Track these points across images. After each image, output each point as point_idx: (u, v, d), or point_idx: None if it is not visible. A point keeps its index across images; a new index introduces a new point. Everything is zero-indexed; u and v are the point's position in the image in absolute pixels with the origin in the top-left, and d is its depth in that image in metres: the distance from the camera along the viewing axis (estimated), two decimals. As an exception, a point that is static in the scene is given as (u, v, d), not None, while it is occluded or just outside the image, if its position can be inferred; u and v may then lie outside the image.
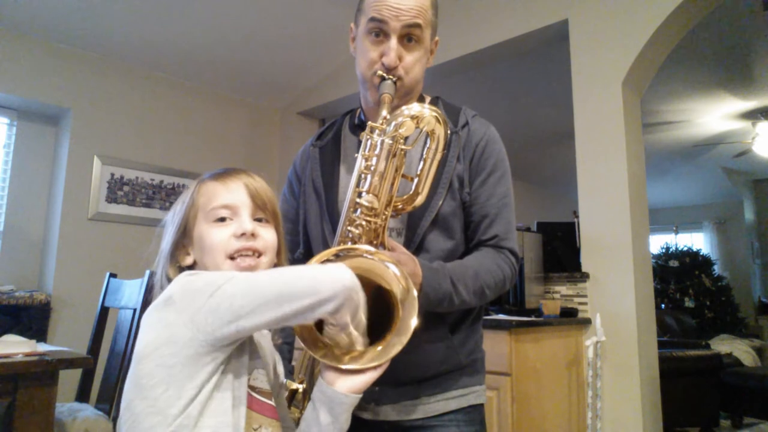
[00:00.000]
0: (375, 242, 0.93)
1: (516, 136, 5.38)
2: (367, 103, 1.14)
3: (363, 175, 0.94)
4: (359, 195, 0.93)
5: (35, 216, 3.52)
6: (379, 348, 0.78)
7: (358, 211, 0.92)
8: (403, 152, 0.94)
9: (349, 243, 0.93)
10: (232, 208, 0.86)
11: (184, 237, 0.87)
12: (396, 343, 0.77)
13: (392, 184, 0.94)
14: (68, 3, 3.11)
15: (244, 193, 0.87)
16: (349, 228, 0.93)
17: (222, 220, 0.85)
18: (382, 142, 0.93)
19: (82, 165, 3.50)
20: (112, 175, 3.63)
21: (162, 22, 3.38)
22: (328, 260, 0.81)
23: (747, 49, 3.76)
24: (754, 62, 3.96)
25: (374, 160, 0.93)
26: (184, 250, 0.87)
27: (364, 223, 0.91)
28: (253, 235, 0.85)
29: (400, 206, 0.97)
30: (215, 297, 0.71)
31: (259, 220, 0.88)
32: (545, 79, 4.11)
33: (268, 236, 0.87)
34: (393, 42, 1.04)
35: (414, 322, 0.78)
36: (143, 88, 3.82)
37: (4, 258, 3.36)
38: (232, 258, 0.84)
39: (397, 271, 0.81)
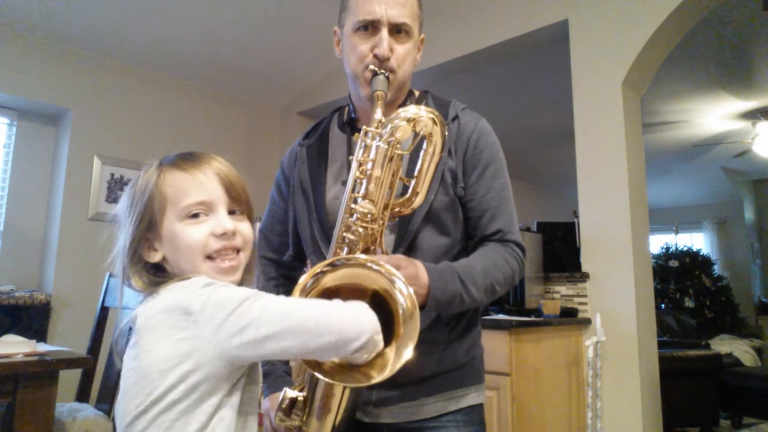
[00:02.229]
0: (372, 247, 0.91)
1: (516, 136, 5.38)
2: (359, 100, 1.12)
3: (358, 180, 0.91)
4: (355, 201, 0.91)
5: (35, 216, 3.52)
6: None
7: (355, 216, 0.90)
8: (399, 156, 0.92)
9: (346, 249, 0.91)
10: (207, 204, 0.79)
11: (149, 231, 0.78)
12: (391, 366, 0.75)
13: (389, 189, 0.92)
14: (68, 3, 3.11)
15: (218, 185, 0.80)
16: (345, 234, 0.91)
17: (196, 215, 0.78)
18: (378, 146, 0.90)
19: (82, 165, 3.50)
20: (112, 175, 3.63)
21: (162, 23, 3.38)
22: (322, 272, 0.79)
23: (747, 49, 3.76)
24: (754, 62, 3.96)
25: (369, 164, 0.90)
26: (148, 245, 0.79)
27: (360, 229, 0.89)
28: (233, 233, 0.79)
29: (397, 209, 0.95)
30: (241, 316, 0.68)
31: (232, 212, 0.82)
32: (545, 79, 4.10)
33: (246, 230, 0.82)
34: (384, 32, 1.02)
35: (409, 352, 0.74)
36: (143, 88, 3.82)
37: (4, 258, 3.36)
38: (210, 257, 0.78)
39: (404, 287, 0.77)
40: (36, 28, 3.29)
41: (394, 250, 1.02)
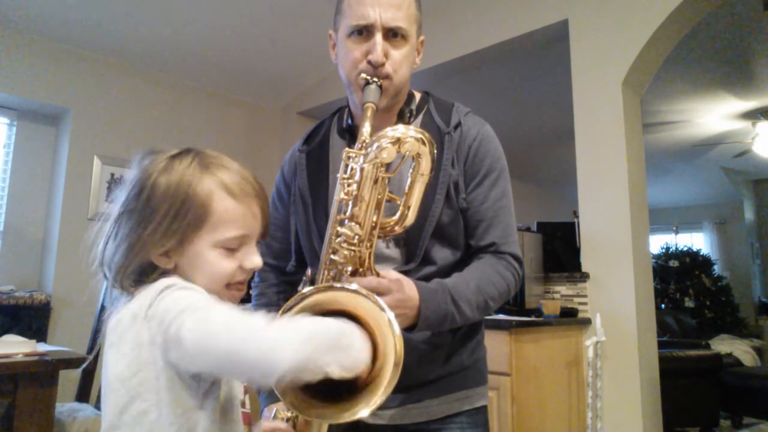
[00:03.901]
0: (361, 269, 0.89)
1: (516, 136, 5.38)
2: (355, 107, 1.09)
3: (344, 202, 0.89)
4: (341, 223, 0.88)
5: (35, 216, 3.52)
6: (345, 404, 0.73)
7: (341, 237, 0.88)
8: (384, 179, 0.88)
9: (334, 270, 0.89)
10: (245, 238, 0.77)
11: (175, 240, 0.73)
12: (363, 403, 0.72)
13: (376, 210, 0.89)
14: (68, 3, 3.11)
15: (260, 222, 0.78)
16: (332, 256, 0.89)
17: (231, 248, 0.76)
18: (362, 168, 0.87)
19: (82, 165, 3.50)
20: (112, 175, 3.63)
21: (162, 23, 3.38)
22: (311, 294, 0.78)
23: (747, 49, 3.76)
24: (754, 62, 3.96)
25: (355, 186, 0.88)
26: (163, 250, 0.74)
27: (346, 252, 0.87)
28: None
29: (388, 228, 0.92)
30: (177, 329, 0.64)
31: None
32: (545, 79, 4.10)
33: None
34: (378, 37, 0.98)
35: (379, 401, 0.71)
36: (143, 88, 3.82)
37: (4, 258, 3.36)
38: (227, 285, 0.77)
39: (397, 329, 0.73)
40: (36, 28, 3.29)
41: (405, 265, 1.01)
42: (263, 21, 3.49)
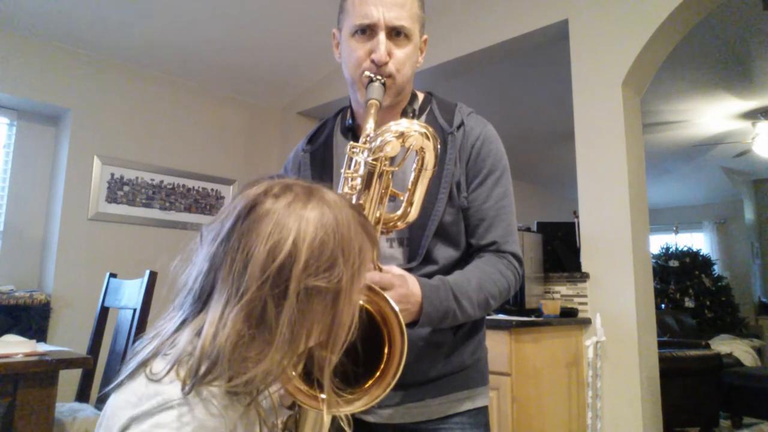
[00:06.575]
0: None
1: (516, 136, 5.38)
2: (358, 106, 1.09)
3: (347, 197, 0.89)
4: None
5: (35, 216, 3.52)
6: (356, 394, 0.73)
7: None
8: (388, 173, 0.88)
9: None
10: None
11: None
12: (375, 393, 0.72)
13: (380, 204, 0.89)
14: (68, 3, 3.11)
15: None
16: None
17: None
18: (366, 162, 0.87)
19: (82, 165, 3.50)
20: (112, 175, 3.63)
21: (162, 23, 3.38)
22: None
23: (747, 49, 3.76)
24: (754, 62, 3.95)
25: (358, 180, 0.88)
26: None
27: None
28: None
29: (391, 224, 0.92)
30: None
31: None
32: (545, 79, 4.10)
33: None
34: (382, 36, 0.99)
35: (381, 395, 0.71)
36: (143, 88, 3.82)
37: (4, 258, 3.36)
38: None
39: (403, 324, 0.74)
40: (36, 28, 3.29)
41: (408, 263, 1.02)
42: (263, 21, 3.49)
